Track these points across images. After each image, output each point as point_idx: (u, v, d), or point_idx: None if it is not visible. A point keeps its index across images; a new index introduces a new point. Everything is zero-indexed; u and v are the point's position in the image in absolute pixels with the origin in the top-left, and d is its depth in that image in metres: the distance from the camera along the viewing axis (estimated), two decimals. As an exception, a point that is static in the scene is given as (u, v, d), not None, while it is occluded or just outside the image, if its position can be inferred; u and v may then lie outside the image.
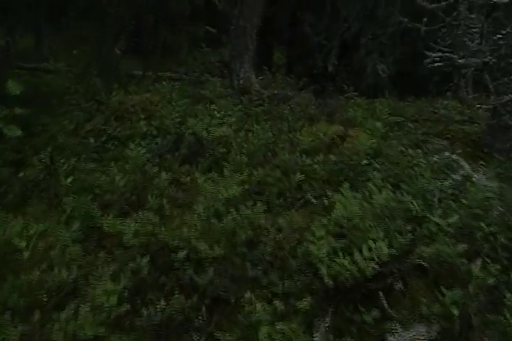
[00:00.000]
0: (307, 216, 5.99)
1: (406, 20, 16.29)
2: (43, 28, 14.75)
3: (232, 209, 5.88)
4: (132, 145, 6.97)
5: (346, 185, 6.51)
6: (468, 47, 16.11)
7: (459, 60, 15.88)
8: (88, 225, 5.59)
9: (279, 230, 5.78)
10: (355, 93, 15.22)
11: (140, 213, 5.58)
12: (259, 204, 5.93)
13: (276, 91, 11.15)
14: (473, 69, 16.75)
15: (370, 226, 5.75)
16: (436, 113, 13.20)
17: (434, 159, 7.93)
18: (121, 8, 11.46)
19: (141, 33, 16.33)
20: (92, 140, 7.72)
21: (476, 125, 12.56)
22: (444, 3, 16.44)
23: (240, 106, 10.04)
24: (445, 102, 15.61)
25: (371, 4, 17.58)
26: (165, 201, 5.96)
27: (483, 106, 16.19)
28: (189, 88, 11.53)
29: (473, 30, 15.82)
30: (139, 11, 13.93)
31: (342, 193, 6.27)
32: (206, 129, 7.62)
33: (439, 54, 16.77)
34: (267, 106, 10.38)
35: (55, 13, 13.54)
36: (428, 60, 18.12)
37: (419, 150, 8.79)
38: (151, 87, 10.63)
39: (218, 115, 8.63)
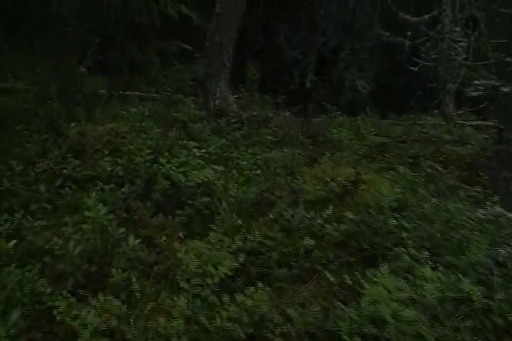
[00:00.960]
0: (324, 298, 4.51)
1: (387, 34, 15.41)
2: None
3: (225, 298, 4.41)
4: (93, 194, 5.64)
5: (384, 266, 4.71)
6: (454, 61, 15.44)
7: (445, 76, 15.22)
8: (34, 308, 4.30)
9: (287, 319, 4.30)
10: (338, 112, 14.37)
11: (101, 297, 4.25)
12: (260, 289, 4.44)
13: (255, 113, 10.18)
14: (457, 84, 16.12)
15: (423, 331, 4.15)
16: (425, 133, 12.28)
17: (478, 214, 6.19)
18: (80, 22, 10.40)
19: (107, 48, 15.25)
20: (43, 185, 6.20)
21: (469, 146, 11.66)
22: (426, 17, 15.70)
23: (218, 132, 8.99)
24: (431, 120, 14.79)
25: (350, 17, 16.70)
26: (134, 275, 4.57)
27: (467, 123, 15.63)
28: (161, 109, 10.48)
29: (460, 44, 15.12)
30: (104, 25, 12.86)
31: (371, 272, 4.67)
32: (183, 172, 6.41)
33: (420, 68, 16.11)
34: (246, 131, 9.40)
35: (13, 28, 12.42)
36: (411, 75, 17.63)
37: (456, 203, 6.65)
38: (118, 112, 9.39)
39: (196, 151, 7.30)
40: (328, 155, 9.01)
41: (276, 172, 7.09)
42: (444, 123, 14.87)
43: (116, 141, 7.24)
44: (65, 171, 6.58)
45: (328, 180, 6.46)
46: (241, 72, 17.71)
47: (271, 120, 9.97)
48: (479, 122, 16.19)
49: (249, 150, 8.37)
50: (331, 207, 5.74)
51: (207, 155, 7.57)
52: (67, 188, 6.21)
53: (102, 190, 5.98)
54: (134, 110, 9.34)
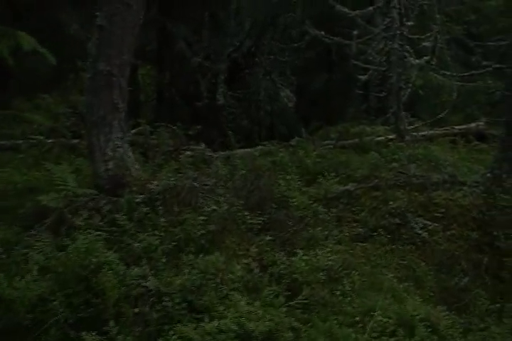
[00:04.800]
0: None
1: (321, 33, 11.81)
2: None
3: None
4: None
5: None
6: (408, 64, 12.10)
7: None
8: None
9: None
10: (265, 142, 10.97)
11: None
12: None
13: (172, 180, 6.34)
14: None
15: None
16: (403, 173, 8.81)
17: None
18: None
19: None
20: None
21: (466, 188, 8.30)
22: (371, 8, 12.23)
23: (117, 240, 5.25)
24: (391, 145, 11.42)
25: (270, 12, 12.97)
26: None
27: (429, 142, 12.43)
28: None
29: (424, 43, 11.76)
30: None
31: None
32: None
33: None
34: (162, 223, 5.63)
35: None
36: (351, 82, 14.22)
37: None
38: None
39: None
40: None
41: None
42: (403, 144, 11.48)
43: None
44: None
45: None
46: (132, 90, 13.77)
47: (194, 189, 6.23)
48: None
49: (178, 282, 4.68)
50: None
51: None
52: None
53: None
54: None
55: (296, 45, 13.89)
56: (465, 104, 16.48)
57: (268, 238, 6.01)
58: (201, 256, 5.32)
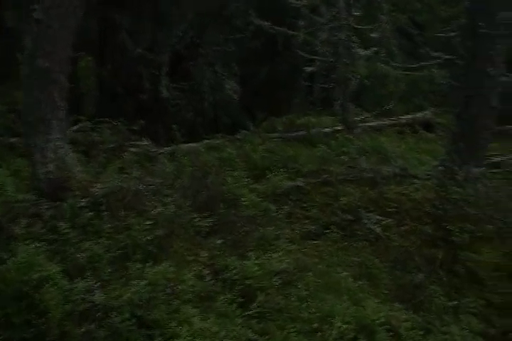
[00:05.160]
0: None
1: (266, 23, 11.54)
2: None
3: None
4: None
5: None
6: (356, 55, 11.89)
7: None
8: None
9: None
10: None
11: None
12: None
13: (118, 182, 6.00)
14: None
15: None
16: (353, 167, 8.65)
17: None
18: None
19: None
20: None
21: (417, 181, 8.18)
22: (317, -2, 11.99)
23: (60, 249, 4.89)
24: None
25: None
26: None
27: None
28: None
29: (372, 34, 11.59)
30: None
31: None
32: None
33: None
34: (107, 229, 5.28)
35: None
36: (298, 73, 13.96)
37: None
38: None
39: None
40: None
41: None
42: (352, 136, 11.33)
43: None
44: None
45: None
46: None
47: (142, 194, 5.91)
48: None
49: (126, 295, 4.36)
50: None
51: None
52: None
53: None
54: None
55: (240, 35, 13.51)
56: (411, 94, 16.41)
57: (218, 241, 5.71)
58: (149, 264, 5.01)
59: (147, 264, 5.01)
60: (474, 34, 7.82)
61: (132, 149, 9.88)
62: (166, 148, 10.16)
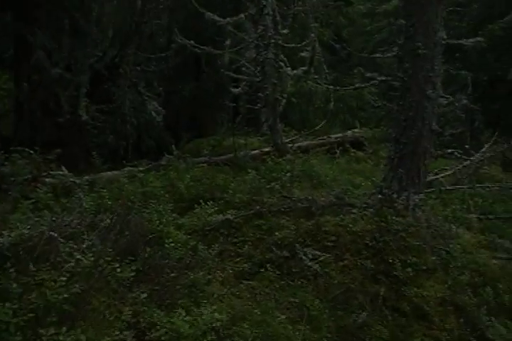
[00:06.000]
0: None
1: (190, 42, 11.01)
2: None
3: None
4: None
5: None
6: (284, 74, 11.42)
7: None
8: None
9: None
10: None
11: None
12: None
13: (28, 229, 5.30)
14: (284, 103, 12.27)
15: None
16: (286, 197, 8.18)
17: None
18: None
19: None
20: None
21: (355, 211, 7.77)
22: (242, 15, 11.49)
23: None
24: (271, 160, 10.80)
25: (135, 19, 11.95)
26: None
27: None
28: None
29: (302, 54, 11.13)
30: None
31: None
32: None
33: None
34: (14, 289, 4.54)
35: None
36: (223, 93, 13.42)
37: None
38: None
39: None
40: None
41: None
42: (281, 159, 10.90)
43: None
44: None
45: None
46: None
47: (56, 242, 5.23)
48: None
49: None
50: None
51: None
52: None
53: None
54: None
55: (163, 54, 12.93)
56: (338, 110, 16.20)
57: (143, 295, 5.08)
58: (65, 328, 4.34)
59: (63, 329, 4.34)
60: (414, 55, 7.44)
61: (49, 180, 9.19)
62: (85, 177, 9.48)
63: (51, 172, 9.29)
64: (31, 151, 9.27)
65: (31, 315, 4.46)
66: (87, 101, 12.81)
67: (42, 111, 13.23)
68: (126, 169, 10.12)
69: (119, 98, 13.58)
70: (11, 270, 4.75)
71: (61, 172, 9.22)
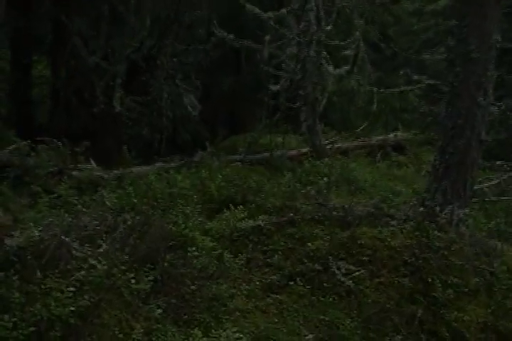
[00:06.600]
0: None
1: (229, 36, 10.52)
2: None
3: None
4: None
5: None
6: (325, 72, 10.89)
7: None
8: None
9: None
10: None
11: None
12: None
13: (39, 231, 4.91)
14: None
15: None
16: (322, 204, 7.66)
17: None
18: None
19: None
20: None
21: (394, 223, 7.23)
22: (285, 10, 10.98)
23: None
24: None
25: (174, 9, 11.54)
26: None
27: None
28: None
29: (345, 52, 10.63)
30: None
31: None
32: None
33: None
34: (17, 299, 4.14)
35: None
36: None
37: None
38: None
39: None
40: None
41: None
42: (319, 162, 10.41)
43: None
44: None
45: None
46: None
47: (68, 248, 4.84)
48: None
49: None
50: None
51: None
52: None
53: None
54: None
55: (201, 46, 12.52)
56: (380, 111, 15.66)
57: (158, 311, 4.64)
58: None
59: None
60: (465, 58, 6.88)
61: (75, 173, 8.85)
62: (114, 172, 9.13)
63: (79, 165, 8.93)
64: (59, 142, 8.93)
65: (32, 328, 4.06)
66: (123, 92, 12.43)
67: (77, 99, 12.93)
68: (157, 164, 9.74)
69: (156, 90, 13.22)
70: (15, 277, 4.34)
71: (89, 166, 8.85)
